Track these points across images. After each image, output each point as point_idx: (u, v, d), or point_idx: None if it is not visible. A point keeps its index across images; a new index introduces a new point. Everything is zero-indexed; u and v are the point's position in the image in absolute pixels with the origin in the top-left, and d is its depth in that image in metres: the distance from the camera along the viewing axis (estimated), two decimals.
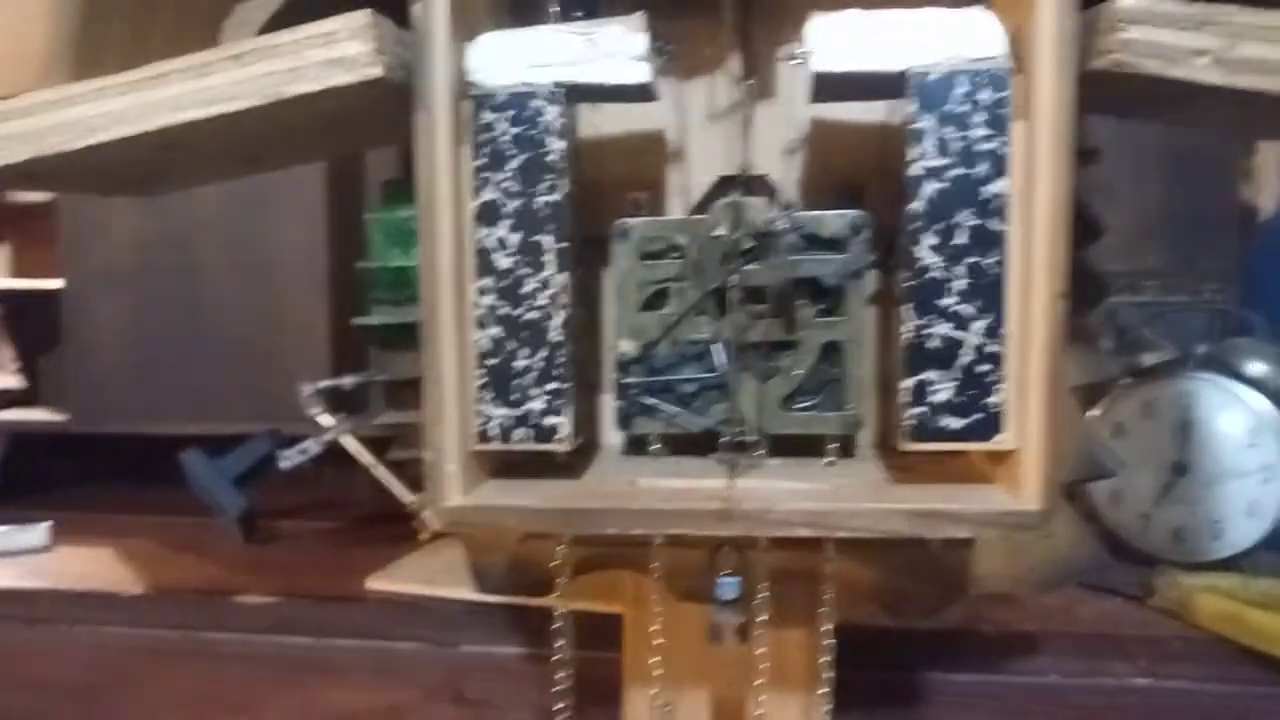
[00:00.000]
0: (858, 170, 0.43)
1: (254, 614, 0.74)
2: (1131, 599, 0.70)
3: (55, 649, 0.76)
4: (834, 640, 0.49)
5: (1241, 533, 0.73)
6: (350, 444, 0.89)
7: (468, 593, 0.71)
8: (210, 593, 0.76)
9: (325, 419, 0.88)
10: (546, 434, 0.39)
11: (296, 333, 0.97)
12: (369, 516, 0.97)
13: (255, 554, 0.88)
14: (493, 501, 0.39)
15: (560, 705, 0.50)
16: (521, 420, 0.39)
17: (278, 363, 0.97)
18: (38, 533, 0.87)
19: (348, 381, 0.89)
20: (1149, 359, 0.78)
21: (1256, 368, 0.75)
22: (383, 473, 0.88)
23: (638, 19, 0.37)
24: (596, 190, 0.44)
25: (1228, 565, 0.73)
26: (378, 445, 0.89)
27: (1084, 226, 0.63)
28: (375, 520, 0.95)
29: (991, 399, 0.36)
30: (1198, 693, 0.63)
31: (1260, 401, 0.74)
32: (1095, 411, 0.79)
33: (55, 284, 1.07)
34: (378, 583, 0.76)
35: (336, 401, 0.89)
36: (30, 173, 0.38)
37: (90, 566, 0.83)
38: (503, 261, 0.38)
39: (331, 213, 0.95)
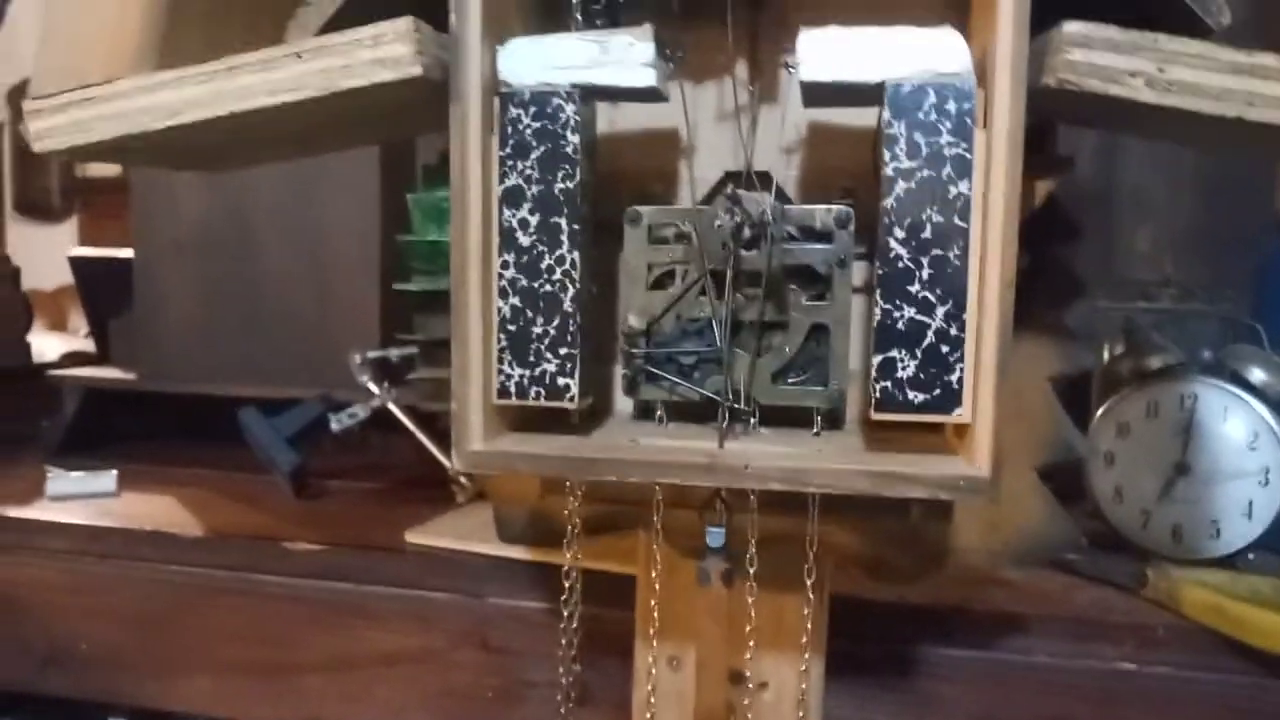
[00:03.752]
0: (850, 170, 0.47)
1: (301, 560, 0.78)
2: (1125, 589, 0.72)
3: (121, 583, 0.81)
4: (824, 602, 0.52)
5: (1238, 532, 0.74)
6: (396, 411, 0.95)
7: (497, 549, 0.75)
8: (262, 538, 0.80)
9: (373, 386, 0.94)
10: (558, 392, 0.43)
11: (348, 305, 1.02)
12: (411, 480, 1.00)
13: (304, 507, 0.92)
14: (508, 448, 0.43)
15: (571, 654, 0.53)
16: (536, 380, 0.43)
17: (330, 333, 1.01)
18: (106, 479, 0.93)
19: (394, 353, 0.95)
20: (1155, 362, 0.80)
21: (1258, 375, 0.76)
22: (425, 438, 0.94)
23: (646, 29, 0.41)
24: (615, 180, 0.48)
25: (1224, 564, 0.74)
26: (421, 413, 0.94)
27: (1061, 228, 0.66)
28: (416, 483, 0.98)
29: (952, 376, 0.40)
30: (1180, 678, 0.65)
31: (1261, 407, 0.75)
32: (1101, 408, 0.82)
33: (125, 253, 1.13)
34: (416, 537, 0.79)
35: (384, 371, 0.95)
36: (119, 147, 0.43)
37: (153, 511, 0.88)
38: (524, 240, 0.42)
39: (384, 193, 0.98)
